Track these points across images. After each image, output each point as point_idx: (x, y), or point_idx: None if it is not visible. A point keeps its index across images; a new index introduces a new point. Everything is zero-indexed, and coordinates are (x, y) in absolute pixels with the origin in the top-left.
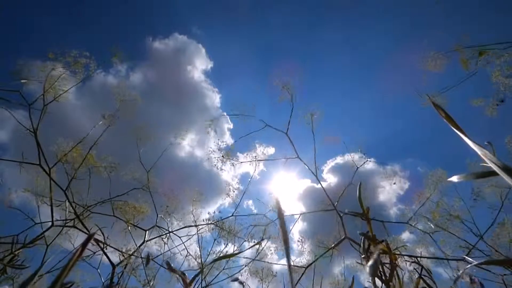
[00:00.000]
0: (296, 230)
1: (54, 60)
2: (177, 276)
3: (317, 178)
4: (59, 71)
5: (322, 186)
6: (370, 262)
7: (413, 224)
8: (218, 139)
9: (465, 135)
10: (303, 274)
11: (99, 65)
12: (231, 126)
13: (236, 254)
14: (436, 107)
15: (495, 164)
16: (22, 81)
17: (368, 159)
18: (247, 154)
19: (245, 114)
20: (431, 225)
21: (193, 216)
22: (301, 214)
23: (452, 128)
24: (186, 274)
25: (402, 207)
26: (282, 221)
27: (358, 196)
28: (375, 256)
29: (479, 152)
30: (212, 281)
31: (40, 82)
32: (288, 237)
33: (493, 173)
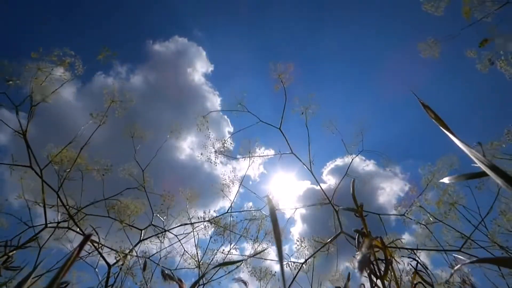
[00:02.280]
0: (296, 231)
1: (42, 60)
2: (174, 282)
3: (311, 171)
4: (47, 71)
5: (313, 176)
6: (358, 257)
7: (409, 216)
8: (211, 134)
9: (454, 135)
10: (299, 269)
11: (97, 66)
12: (232, 129)
13: (239, 261)
14: (425, 107)
15: (484, 164)
16: (9, 82)
17: (362, 156)
18: (245, 157)
19: (238, 110)
20: (430, 217)
21: (188, 214)
22: (296, 208)
23: (441, 128)
24: (183, 281)
25: (403, 209)
26: (274, 217)
27: (352, 193)
28: (363, 250)
29: (468, 153)
30: (210, 278)
31: (29, 83)
32: (279, 232)
33: (483, 174)
